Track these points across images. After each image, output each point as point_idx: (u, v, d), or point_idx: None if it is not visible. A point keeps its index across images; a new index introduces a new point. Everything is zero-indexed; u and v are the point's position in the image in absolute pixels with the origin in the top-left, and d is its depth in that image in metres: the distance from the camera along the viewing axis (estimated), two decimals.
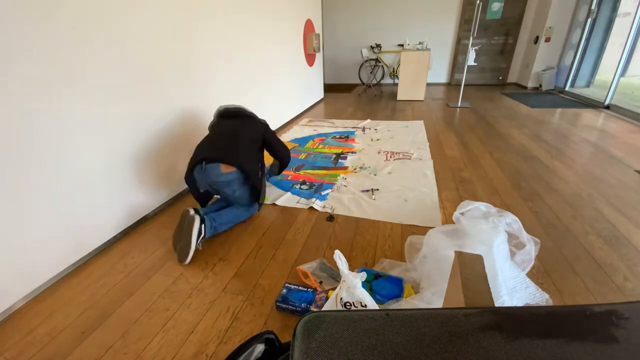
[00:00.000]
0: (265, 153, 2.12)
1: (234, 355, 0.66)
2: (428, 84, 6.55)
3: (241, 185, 1.78)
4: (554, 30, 5.53)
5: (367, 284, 1.29)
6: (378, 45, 6.86)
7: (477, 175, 2.40)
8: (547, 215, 1.83)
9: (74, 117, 1.47)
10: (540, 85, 5.84)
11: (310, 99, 5.16)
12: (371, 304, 0.99)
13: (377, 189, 2.22)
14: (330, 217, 1.89)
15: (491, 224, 1.28)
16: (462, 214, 1.37)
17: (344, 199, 2.11)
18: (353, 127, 3.87)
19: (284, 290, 1.31)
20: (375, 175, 2.47)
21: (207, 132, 1.99)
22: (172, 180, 2.14)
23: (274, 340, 0.74)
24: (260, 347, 0.70)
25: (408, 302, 1.19)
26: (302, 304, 1.24)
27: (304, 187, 2.32)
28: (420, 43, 5.41)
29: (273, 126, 3.74)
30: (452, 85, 6.88)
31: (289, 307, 1.24)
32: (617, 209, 1.85)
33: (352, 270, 1.08)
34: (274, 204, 2.09)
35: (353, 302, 0.97)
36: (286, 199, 2.13)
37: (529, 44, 6.12)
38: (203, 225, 1.60)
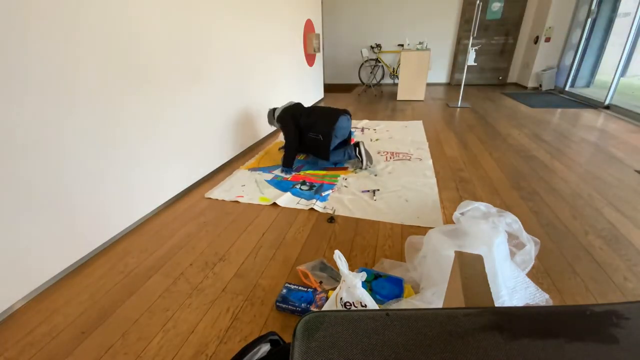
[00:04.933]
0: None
1: (239, 356, 0.67)
2: (428, 84, 6.55)
3: None
4: (554, 30, 5.53)
5: (367, 284, 1.29)
6: (378, 45, 6.86)
7: (477, 175, 2.40)
8: (547, 215, 1.83)
9: (67, 117, 1.47)
10: (540, 85, 5.84)
11: (310, 99, 5.16)
12: (371, 304, 0.99)
13: (378, 190, 2.22)
14: (331, 219, 1.89)
15: (491, 224, 1.27)
16: (462, 214, 1.37)
17: (345, 199, 2.11)
18: (352, 128, 3.86)
19: (284, 290, 1.31)
20: (375, 175, 2.47)
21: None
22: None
23: (279, 341, 0.74)
24: (265, 347, 0.70)
25: (408, 302, 1.19)
26: (302, 304, 1.24)
27: (304, 187, 2.32)
28: (420, 43, 5.42)
29: (273, 126, 3.73)
30: (452, 85, 6.88)
31: (289, 307, 1.24)
32: (617, 209, 1.85)
33: (352, 270, 1.08)
34: (274, 204, 2.09)
35: (353, 302, 0.97)
36: (286, 200, 2.13)
37: (529, 44, 6.12)
38: None
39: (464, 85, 5.04)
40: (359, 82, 7.21)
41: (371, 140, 3.36)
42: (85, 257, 1.60)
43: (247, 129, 3.12)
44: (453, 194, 2.12)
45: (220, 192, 2.29)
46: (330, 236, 1.73)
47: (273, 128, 3.73)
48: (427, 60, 5.12)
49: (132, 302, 1.34)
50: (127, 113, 1.75)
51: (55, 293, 1.41)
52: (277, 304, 1.26)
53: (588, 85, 5.31)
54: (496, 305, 0.58)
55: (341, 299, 0.98)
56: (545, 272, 1.40)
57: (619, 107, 3.98)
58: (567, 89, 5.37)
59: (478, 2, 4.34)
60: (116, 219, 1.75)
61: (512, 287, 1.20)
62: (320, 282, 1.36)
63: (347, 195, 2.16)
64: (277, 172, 2.62)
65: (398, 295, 1.24)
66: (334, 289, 1.23)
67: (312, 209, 2.01)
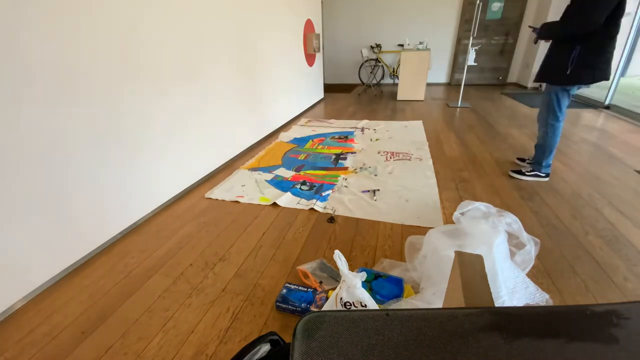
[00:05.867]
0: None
1: (239, 356, 0.67)
2: (428, 84, 6.55)
3: None
4: None
5: (367, 284, 1.29)
6: (378, 45, 6.86)
7: (477, 175, 2.40)
8: (547, 215, 1.83)
9: (68, 119, 1.47)
10: (541, 85, 5.83)
11: (310, 99, 5.16)
12: (371, 304, 0.99)
13: (378, 190, 2.22)
14: (331, 219, 1.89)
15: (491, 224, 1.28)
16: (462, 214, 1.37)
17: (345, 199, 2.11)
18: (352, 128, 3.87)
19: (284, 290, 1.31)
20: (375, 175, 2.47)
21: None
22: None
23: (279, 341, 0.74)
24: (265, 347, 0.70)
25: (408, 302, 1.19)
26: (302, 304, 1.24)
27: (304, 187, 2.32)
28: (420, 43, 5.42)
29: (273, 126, 3.74)
30: (452, 85, 6.87)
31: (289, 307, 1.24)
32: (617, 209, 1.85)
33: (352, 270, 1.08)
34: (274, 204, 2.09)
35: (353, 302, 0.97)
36: (286, 200, 2.13)
37: (529, 44, 6.12)
38: None
39: (464, 85, 5.04)
40: (359, 82, 7.21)
41: (371, 140, 3.37)
42: (85, 257, 1.60)
43: (247, 129, 3.12)
44: (453, 194, 2.12)
45: (221, 192, 2.29)
46: (330, 236, 1.73)
47: (273, 127, 3.73)
48: (427, 60, 5.12)
49: (132, 302, 1.34)
50: (127, 113, 1.75)
51: (55, 293, 1.41)
52: (277, 304, 1.26)
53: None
54: (496, 305, 0.58)
55: (341, 299, 0.98)
56: (545, 272, 1.40)
57: (619, 107, 3.98)
58: None
59: (478, 2, 4.34)
60: (116, 219, 1.75)
61: (512, 287, 1.20)
62: (320, 282, 1.36)
63: (347, 195, 2.16)
64: (279, 172, 2.62)
65: (398, 295, 1.24)
66: (334, 289, 1.23)
67: (312, 209, 2.01)
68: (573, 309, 0.44)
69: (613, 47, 1.87)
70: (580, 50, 1.90)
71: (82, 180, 1.54)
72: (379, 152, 2.97)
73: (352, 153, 3.00)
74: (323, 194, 2.19)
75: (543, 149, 2.21)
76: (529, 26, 2.23)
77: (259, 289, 1.39)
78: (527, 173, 2.28)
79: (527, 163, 2.42)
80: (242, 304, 1.31)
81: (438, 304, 1.12)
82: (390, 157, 2.83)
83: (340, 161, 2.82)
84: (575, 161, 2.58)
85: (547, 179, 2.25)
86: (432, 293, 1.17)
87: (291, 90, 4.24)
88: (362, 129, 3.78)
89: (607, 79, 1.93)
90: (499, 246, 1.15)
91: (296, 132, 3.80)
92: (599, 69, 1.89)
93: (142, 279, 1.47)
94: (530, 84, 6.02)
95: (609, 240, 1.59)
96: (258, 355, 0.69)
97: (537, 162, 2.26)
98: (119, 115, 1.70)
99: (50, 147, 1.38)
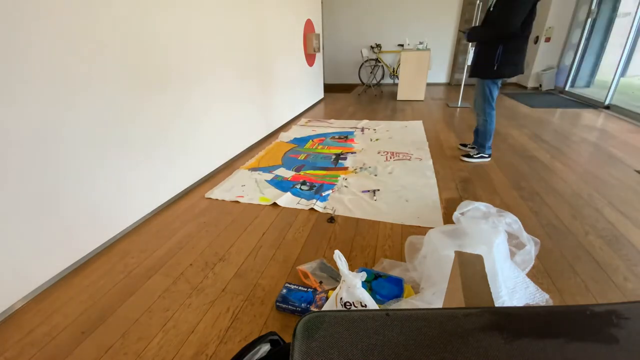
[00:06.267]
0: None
1: (239, 356, 0.67)
2: (428, 84, 6.54)
3: None
4: (554, 30, 5.53)
5: (367, 284, 1.29)
6: (378, 45, 6.86)
7: (477, 175, 2.40)
8: (547, 215, 1.83)
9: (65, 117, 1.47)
10: (540, 85, 5.83)
11: (310, 99, 5.16)
12: (371, 304, 0.99)
13: (378, 190, 2.22)
14: (331, 219, 1.89)
15: (491, 224, 1.28)
16: (462, 214, 1.37)
17: (345, 199, 2.11)
18: (352, 128, 3.87)
19: (284, 290, 1.31)
20: (375, 175, 2.47)
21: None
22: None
23: (279, 341, 0.74)
24: (265, 347, 0.70)
25: (408, 302, 1.19)
26: (302, 304, 1.24)
27: (304, 187, 2.32)
28: (420, 43, 5.42)
29: (273, 126, 3.74)
30: (452, 85, 6.87)
31: (289, 307, 1.24)
32: (617, 209, 1.85)
33: (352, 270, 1.08)
34: (274, 204, 2.09)
35: (353, 302, 0.97)
36: (286, 200, 2.13)
37: (529, 44, 6.12)
38: None
39: (464, 85, 5.04)
40: (359, 82, 7.21)
41: (371, 140, 3.37)
42: (85, 257, 1.60)
43: (247, 129, 3.12)
44: (453, 194, 2.12)
45: (221, 192, 2.29)
46: (330, 236, 1.73)
47: (273, 127, 3.73)
48: (427, 60, 5.12)
49: (132, 302, 1.34)
50: (127, 112, 1.74)
51: (55, 293, 1.41)
52: (277, 304, 1.26)
53: (588, 85, 5.31)
54: (496, 305, 0.58)
55: (341, 299, 0.98)
56: (545, 272, 1.40)
57: (619, 107, 3.98)
58: (567, 89, 5.37)
59: (478, 2, 4.34)
60: (116, 219, 1.75)
61: (512, 287, 1.20)
62: (320, 282, 1.36)
63: (347, 195, 2.16)
64: (279, 172, 2.62)
65: (398, 295, 1.24)
66: (334, 289, 1.23)
67: (312, 209, 2.01)
68: (573, 309, 0.44)
69: (527, 45, 2.35)
70: (502, 49, 2.25)
71: (82, 180, 1.54)
72: (379, 152, 2.97)
73: (352, 153, 3.00)
74: (323, 194, 2.19)
75: (484, 134, 2.59)
76: (460, 30, 2.62)
77: (259, 289, 1.39)
78: (475, 156, 2.64)
79: (470, 148, 2.81)
80: (242, 304, 1.31)
81: (438, 304, 1.12)
82: (390, 157, 2.84)
83: (340, 161, 2.82)
84: (575, 161, 2.58)
85: (489, 159, 2.65)
86: (432, 293, 1.17)
87: (291, 90, 4.24)
88: (362, 129, 3.78)
89: (522, 72, 2.39)
90: (499, 246, 1.16)
91: (296, 132, 3.80)
92: (519, 64, 2.33)
93: (142, 279, 1.47)
94: (530, 84, 6.02)
95: (609, 240, 1.59)
96: (258, 355, 0.69)
97: (481, 145, 2.63)
98: (119, 116, 1.70)
99: (51, 147, 1.38)
